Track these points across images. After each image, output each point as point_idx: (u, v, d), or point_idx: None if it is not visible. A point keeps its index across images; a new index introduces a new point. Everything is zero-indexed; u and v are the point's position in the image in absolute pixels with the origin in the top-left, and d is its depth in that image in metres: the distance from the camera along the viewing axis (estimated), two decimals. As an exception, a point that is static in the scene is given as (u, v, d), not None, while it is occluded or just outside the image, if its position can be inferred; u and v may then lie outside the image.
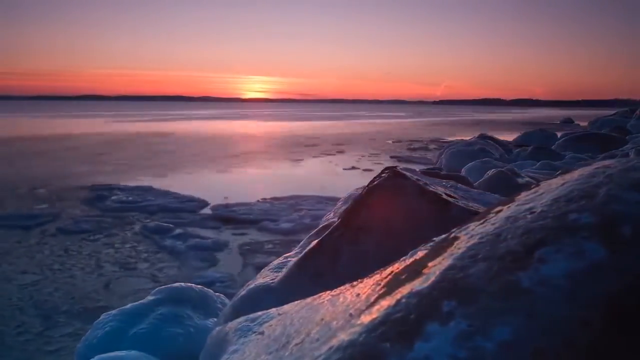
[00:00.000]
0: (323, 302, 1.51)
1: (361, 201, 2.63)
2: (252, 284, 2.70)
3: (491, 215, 1.23)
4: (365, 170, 15.89)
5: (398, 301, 0.99)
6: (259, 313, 1.77)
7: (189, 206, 10.26)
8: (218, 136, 30.58)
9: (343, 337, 0.97)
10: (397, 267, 1.39)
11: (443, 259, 1.09)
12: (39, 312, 5.29)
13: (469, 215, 2.14)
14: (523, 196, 1.26)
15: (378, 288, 1.27)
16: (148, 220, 9.11)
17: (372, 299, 1.17)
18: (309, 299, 1.68)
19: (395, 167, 2.72)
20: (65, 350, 4.53)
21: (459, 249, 1.10)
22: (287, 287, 2.43)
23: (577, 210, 1.01)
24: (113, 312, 3.68)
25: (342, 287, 1.64)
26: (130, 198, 10.76)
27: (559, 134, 20.50)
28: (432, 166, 14.93)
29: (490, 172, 7.82)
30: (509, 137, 22.36)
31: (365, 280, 1.50)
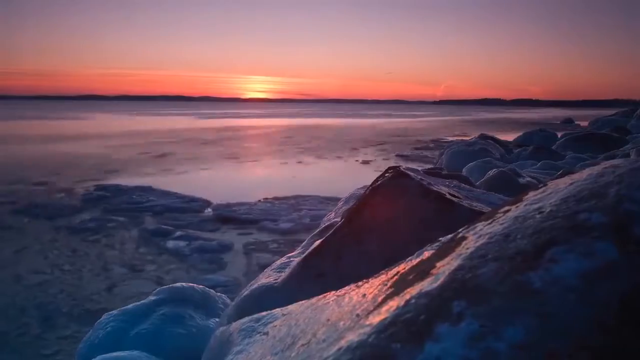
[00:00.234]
0: (328, 302, 1.50)
1: (365, 201, 2.62)
2: (255, 284, 2.69)
3: (499, 215, 1.22)
4: (366, 170, 15.88)
5: (407, 302, 0.98)
6: (263, 313, 1.76)
7: (191, 206, 10.24)
8: (220, 135, 30.59)
9: (352, 337, 0.96)
10: (403, 267, 1.38)
11: (451, 259, 1.08)
12: (40, 312, 5.28)
13: (474, 215, 2.13)
14: (531, 196, 1.25)
15: (385, 288, 1.26)
16: (149, 221, 9.10)
17: (380, 299, 1.16)
18: (313, 299, 1.67)
19: (399, 166, 2.71)
20: (65, 352, 4.52)
21: (467, 249, 1.09)
22: (291, 287, 2.42)
23: (587, 210, 1.01)
24: (114, 312, 3.67)
25: (347, 287, 1.63)
26: (128, 198, 10.74)
27: (559, 134, 20.49)
28: (432, 166, 14.92)
29: (491, 172, 7.82)
30: (509, 137, 22.35)
31: (370, 280, 1.49)
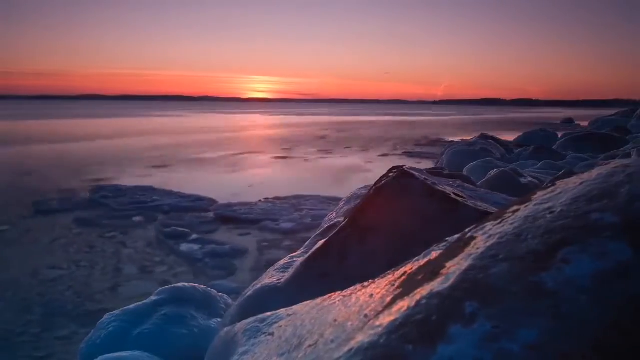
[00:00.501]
0: (334, 302, 1.49)
1: (368, 201, 2.60)
2: (258, 284, 2.68)
3: (508, 214, 1.21)
4: (366, 169, 15.87)
5: (418, 302, 0.97)
6: (268, 314, 1.75)
7: (195, 206, 10.22)
8: (222, 135, 30.56)
9: (362, 338, 0.95)
10: (410, 267, 1.37)
11: (461, 260, 1.07)
12: (43, 312, 5.28)
13: (479, 215, 2.12)
14: (540, 196, 1.24)
15: (392, 289, 1.25)
16: (149, 222, 9.09)
17: (388, 299, 1.15)
18: (318, 300, 1.66)
19: (402, 166, 2.70)
20: (66, 352, 4.50)
21: (477, 249, 1.08)
22: (294, 287, 2.41)
23: (599, 210, 1.00)
24: (116, 312, 3.66)
25: (352, 288, 1.62)
26: (127, 199, 10.73)
27: (559, 134, 20.48)
28: (432, 166, 14.90)
29: (492, 172, 7.81)
30: (509, 137, 22.34)
31: (377, 280, 1.48)
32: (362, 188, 6.32)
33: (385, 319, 0.98)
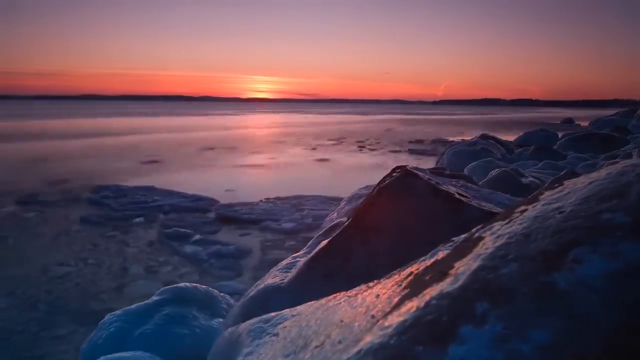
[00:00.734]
0: (340, 303, 1.48)
1: (372, 201, 2.59)
2: (261, 284, 2.67)
3: (516, 214, 1.20)
4: (367, 169, 15.86)
5: (428, 303, 0.96)
6: (272, 314, 1.74)
7: (195, 206, 10.20)
8: (221, 135, 30.56)
9: (372, 339, 0.94)
10: (416, 267, 1.36)
11: (470, 260, 1.06)
12: (43, 311, 5.28)
13: (484, 215, 2.11)
14: (548, 195, 1.23)
15: (399, 289, 1.24)
16: (150, 222, 9.08)
17: (395, 300, 1.14)
18: (323, 300, 1.65)
19: (406, 166, 2.69)
20: (64, 352, 4.49)
21: (486, 249, 1.07)
22: (298, 287, 2.40)
23: (610, 210, 0.99)
24: (118, 312, 3.65)
25: (357, 288, 1.61)
26: (128, 199, 10.72)
27: (559, 134, 20.48)
28: (433, 166, 14.89)
29: (494, 172, 7.80)
30: (509, 137, 22.34)
31: (382, 281, 1.47)
32: (363, 188, 6.32)
33: (395, 320, 0.97)
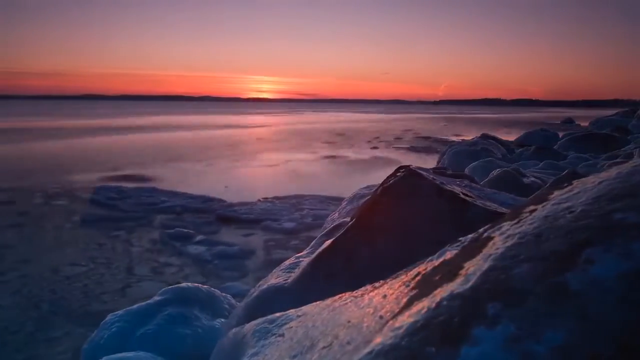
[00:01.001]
0: (346, 303, 1.48)
1: (376, 200, 2.58)
2: (264, 285, 2.66)
3: (525, 214, 1.19)
4: (365, 169, 15.86)
5: (439, 303, 0.95)
6: (277, 314, 1.73)
7: (196, 206, 10.18)
8: (220, 135, 30.55)
9: (382, 340, 0.93)
10: (424, 267, 1.35)
11: (480, 260, 1.05)
12: (43, 311, 5.27)
13: (489, 215, 2.10)
14: (557, 195, 1.22)
15: (407, 289, 1.23)
16: (152, 223, 9.06)
17: (404, 300, 1.13)
18: (328, 301, 1.65)
19: (410, 165, 2.68)
20: (64, 352, 4.48)
21: (497, 249, 1.06)
22: (301, 287, 2.39)
23: (621, 210, 0.98)
24: (119, 312, 3.64)
25: (363, 288, 1.60)
26: (132, 200, 10.71)
27: (560, 134, 20.47)
28: (434, 166, 14.87)
29: (495, 172, 7.79)
30: (509, 137, 22.32)
31: (389, 281, 1.46)
32: (364, 188, 6.31)
33: (405, 321, 0.96)
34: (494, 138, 17.20)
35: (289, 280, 2.54)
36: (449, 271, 1.12)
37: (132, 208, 9.94)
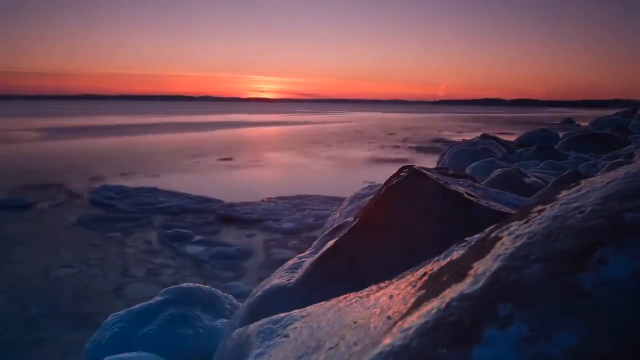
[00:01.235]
0: (351, 304, 1.47)
1: (379, 200, 2.57)
2: (267, 285, 2.65)
3: (533, 214, 1.18)
4: (365, 169, 15.85)
5: (448, 304, 0.94)
6: (282, 315, 1.72)
7: (197, 206, 10.17)
8: (221, 135, 30.54)
9: (392, 341, 0.92)
10: (430, 267, 1.34)
11: (489, 260, 1.04)
12: (42, 311, 5.26)
13: (493, 215, 2.10)
14: (565, 195, 1.21)
15: (414, 290, 1.22)
16: (153, 223, 9.05)
17: (412, 301, 1.12)
18: (333, 301, 1.64)
19: (413, 165, 2.66)
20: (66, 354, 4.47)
21: (506, 249, 1.05)
22: (305, 287, 2.38)
23: (633, 209, 0.97)
24: (121, 312, 3.63)
25: (368, 289, 1.59)
26: (132, 200, 10.69)
27: (560, 134, 20.46)
28: (435, 166, 14.84)
29: (496, 172, 7.78)
30: (509, 137, 22.31)
31: (395, 281, 1.45)
32: (365, 188, 6.29)
33: (415, 321, 0.95)
34: (494, 138, 17.18)
35: (292, 281, 2.53)
36: (457, 271, 1.11)
37: (134, 208, 9.92)
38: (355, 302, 1.48)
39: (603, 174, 1.28)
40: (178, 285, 3.90)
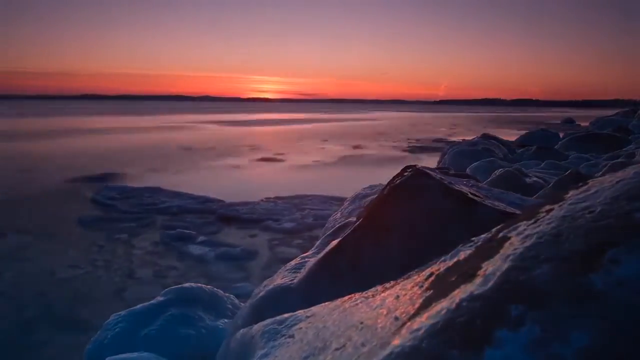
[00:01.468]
0: (357, 304, 1.46)
1: (383, 200, 2.56)
2: (270, 285, 2.64)
3: (542, 214, 1.17)
4: (365, 169, 15.85)
5: (458, 305, 0.93)
6: (286, 315, 1.72)
7: (197, 206, 10.15)
8: (220, 135, 30.53)
9: (402, 342, 0.91)
10: (437, 268, 1.34)
11: (498, 261, 1.03)
12: (41, 311, 5.25)
13: (498, 215, 2.09)
14: (573, 195, 1.20)
15: (421, 290, 1.21)
16: (152, 223, 9.04)
17: (419, 301, 1.12)
18: (338, 301, 1.63)
19: (416, 165, 2.66)
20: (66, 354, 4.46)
21: (515, 249, 1.04)
22: (308, 287, 2.37)
23: (643, 209, 0.96)
24: (122, 312, 3.62)
25: (373, 289, 1.58)
26: (134, 200, 10.68)
27: (561, 134, 20.44)
28: (435, 166, 14.82)
29: (497, 172, 7.77)
30: (509, 137, 22.29)
31: (400, 281, 1.45)
32: (366, 188, 6.28)
33: (424, 322, 0.94)
34: (495, 138, 17.16)
35: (295, 281, 2.52)
36: (466, 272, 1.10)
37: (137, 209, 9.90)
38: (360, 302, 1.47)
39: (610, 173, 1.27)
40: (179, 285, 3.88)
